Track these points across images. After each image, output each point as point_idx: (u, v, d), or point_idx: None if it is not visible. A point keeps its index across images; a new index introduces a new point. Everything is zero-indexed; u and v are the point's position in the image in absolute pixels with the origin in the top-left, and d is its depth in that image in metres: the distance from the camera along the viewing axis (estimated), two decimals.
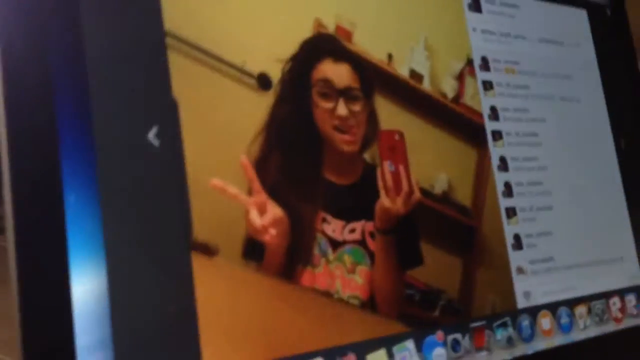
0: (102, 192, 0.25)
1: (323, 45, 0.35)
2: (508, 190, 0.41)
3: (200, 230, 0.29)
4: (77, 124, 0.25)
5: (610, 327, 0.43)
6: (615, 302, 0.44)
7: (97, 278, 0.25)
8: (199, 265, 0.28)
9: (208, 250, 0.29)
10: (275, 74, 0.33)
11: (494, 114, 0.42)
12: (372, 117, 0.36)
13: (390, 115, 0.37)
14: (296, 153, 0.33)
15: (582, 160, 0.46)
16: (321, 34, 0.35)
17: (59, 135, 0.25)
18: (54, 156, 0.25)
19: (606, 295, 0.44)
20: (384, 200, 0.35)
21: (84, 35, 0.26)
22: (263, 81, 0.32)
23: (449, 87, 0.40)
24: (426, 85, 0.39)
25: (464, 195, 0.39)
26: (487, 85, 0.42)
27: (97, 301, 0.25)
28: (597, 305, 0.43)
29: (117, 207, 0.26)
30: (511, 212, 0.41)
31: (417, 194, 0.37)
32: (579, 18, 0.50)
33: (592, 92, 0.49)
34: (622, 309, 0.45)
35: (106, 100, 0.26)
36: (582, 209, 0.45)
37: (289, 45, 0.34)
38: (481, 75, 0.42)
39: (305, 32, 0.35)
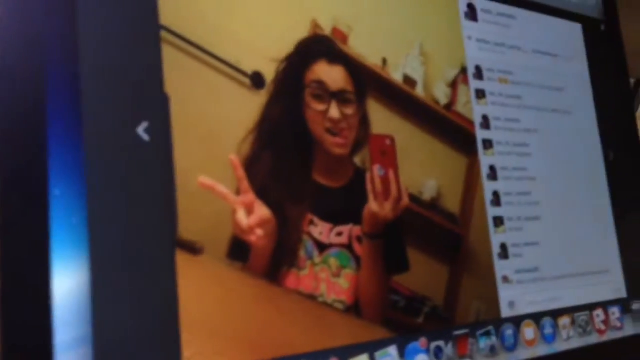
0: (88, 186, 0.25)
1: (318, 46, 0.35)
2: (496, 200, 0.41)
3: (186, 228, 0.28)
4: (66, 116, 0.25)
5: (593, 339, 0.44)
6: (599, 314, 0.45)
7: (80, 273, 0.24)
8: (183, 263, 0.28)
9: (193, 249, 0.28)
10: (269, 73, 0.33)
11: (486, 122, 0.42)
12: (364, 121, 0.36)
13: (382, 119, 0.37)
14: (286, 154, 0.33)
15: (570, 172, 0.46)
16: (317, 35, 0.35)
17: (47, 127, 0.25)
18: (41, 148, 0.24)
19: (590, 307, 0.44)
20: (372, 205, 0.35)
21: (77, 26, 0.26)
22: (256, 80, 0.32)
23: (442, 94, 0.40)
24: (419, 91, 0.39)
25: (452, 203, 0.39)
26: (480, 94, 0.42)
27: (79, 297, 0.24)
28: (581, 316, 0.43)
29: (103, 202, 0.25)
30: (499, 221, 0.41)
31: (405, 200, 0.36)
32: (574, 31, 0.50)
33: (583, 105, 0.49)
34: (606, 322, 0.45)
35: (97, 93, 0.26)
36: (569, 221, 0.45)
37: (285, 45, 0.34)
38: (474, 84, 0.42)
39: (302, 32, 0.34)
